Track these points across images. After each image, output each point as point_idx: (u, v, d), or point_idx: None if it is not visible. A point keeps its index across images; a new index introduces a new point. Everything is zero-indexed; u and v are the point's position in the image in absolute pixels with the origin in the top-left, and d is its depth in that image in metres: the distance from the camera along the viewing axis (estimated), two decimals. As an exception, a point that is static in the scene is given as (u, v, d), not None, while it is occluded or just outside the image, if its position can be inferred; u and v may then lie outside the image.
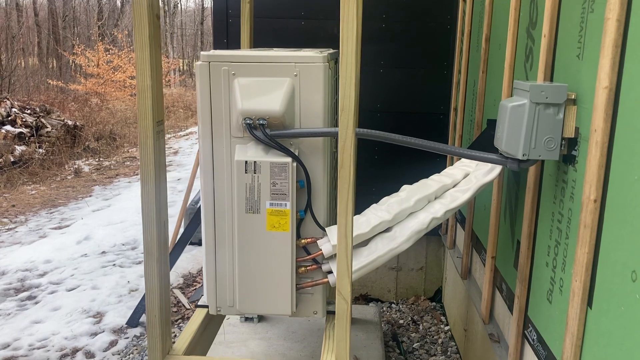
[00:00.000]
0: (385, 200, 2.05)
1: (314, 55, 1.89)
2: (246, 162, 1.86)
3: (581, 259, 1.46)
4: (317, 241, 1.97)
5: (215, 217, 1.99)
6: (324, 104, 1.91)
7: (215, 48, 3.86)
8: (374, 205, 2.06)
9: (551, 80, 1.86)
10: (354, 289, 3.19)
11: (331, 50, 2.22)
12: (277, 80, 1.89)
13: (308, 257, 2.00)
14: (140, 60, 1.61)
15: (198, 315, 2.14)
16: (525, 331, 2.01)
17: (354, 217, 2.00)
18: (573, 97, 1.63)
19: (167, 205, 1.79)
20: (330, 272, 1.98)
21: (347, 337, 1.70)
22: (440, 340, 3.46)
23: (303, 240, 1.98)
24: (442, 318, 3.72)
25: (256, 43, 3.16)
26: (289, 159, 1.86)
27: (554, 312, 1.75)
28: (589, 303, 1.47)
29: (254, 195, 1.89)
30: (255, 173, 1.87)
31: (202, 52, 1.92)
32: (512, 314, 2.16)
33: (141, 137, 1.65)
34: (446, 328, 3.59)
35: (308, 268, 2.00)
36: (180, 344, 1.93)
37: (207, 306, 2.09)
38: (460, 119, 3.41)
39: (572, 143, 1.65)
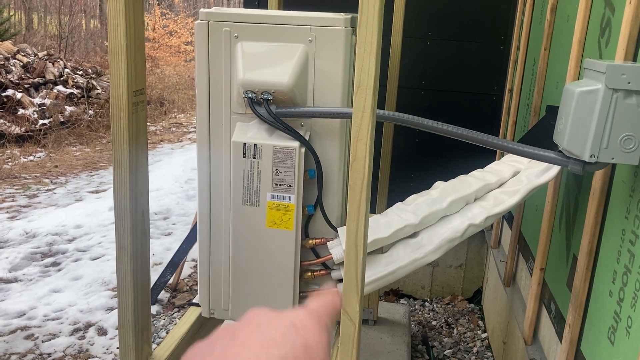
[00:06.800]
0: (413, 199, 1.70)
1: (334, 18, 1.54)
2: (245, 144, 1.55)
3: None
4: (327, 243, 1.65)
5: (211, 207, 1.70)
6: (343, 77, 1.57)
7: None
8: (399, 204, 1.71)
9: (634, 59, 1.45)
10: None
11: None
12: (288, 47, 1.55)
13: (316, 260, 1.68)
14: (112, 13, 1.30)
15: (190, 315, 1.87)
16: (576, 369, 1.64)
17: (374, 217, 1.66)
18: (666, 83, 1.23)
19: (148, 192, 1.51)
20: (341, 280, 1.66)
21: (351, 367, 1.38)
22: (475, 349, 3.10)
23: (311, 241, 1.67)
24: (480, 323, 3.35)
25: (290, 7, 2.82)
26: (296, 144, 1.54)
27: (616, 356, 1.38)
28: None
29: (253, 185, 1.58)
30: (255, 158, 1.55)
31: (201, 10, 1.60)
32: (560, 342, 1.79)
33: (114, 109, 1.36)
34: (483, 335, 3.22)
35: (315, 273, 1.69)
36: (162, 351, 1.67)
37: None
38: (516, 102, 2.98)
39: (658, 144, 1.26)
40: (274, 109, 1.53)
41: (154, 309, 3.70)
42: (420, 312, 3.54)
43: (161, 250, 4.66)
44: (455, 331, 3.29)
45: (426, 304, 3.64)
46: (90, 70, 10.92)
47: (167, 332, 3.39)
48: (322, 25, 1.54)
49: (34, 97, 8.88)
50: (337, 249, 1.61)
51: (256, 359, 0.36)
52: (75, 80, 9.98)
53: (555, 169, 1.63)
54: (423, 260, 1.60)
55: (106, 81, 10.66)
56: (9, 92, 8.31)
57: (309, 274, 1.68)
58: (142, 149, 1.45)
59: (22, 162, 7.37)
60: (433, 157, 3.45)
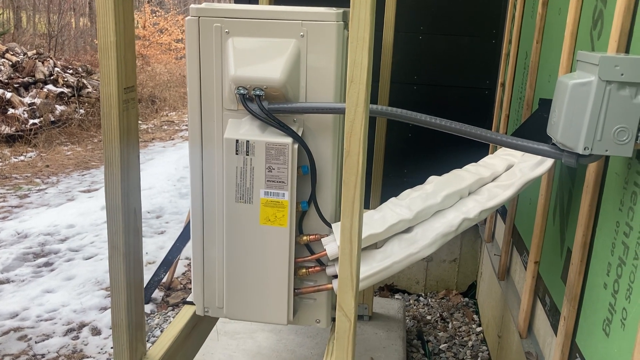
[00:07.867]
0: (407, 194, 1.70)
1: (325, 12, 1.53)
2: (237, 140, 1.54)
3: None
4: (322, 239, 1.64)
5: (203, 204, 1.68)
6: (336, 72, 1.56)
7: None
8: (393, 199, 1.71)
9: (627, 51, 1.45)
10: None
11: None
12: (280, 42, 1.54)
13: (311, 257, 1.67)
14: (102, 10, 1.29)
15: (185, 313, 1.86)
16: (571, 361, 1.65)
17: (368, 213, 1.66)
18: (658, 75, 1.22)
19: (140, 190, 1.49)
20: (336, 276, 1.65)
21: (347, 364, 1.37)
22: (470, 343, 3.11)
23: (305, 237, 1.66)
24: (475, 317, 3.36)
25: (281, 2, 2.80)
26: (288, 140, 1.53)
27: (611, 348, 1.38)
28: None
29: (246, 182, 1.57)
30: (247, 155, 1.54)
31: (192, 5, 1.58)
32: (555, 335, 1.80)
33: (104, 107, 1.35)
34: (478, 329, 3.23)
35: (310, 270, 1.68)
36: (157, 350, 1.66)
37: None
38: (508, 96, 2.98)
39: (652, 136, 1.26)
40: (266, 105, 1.52)
41: (148, 307, 3.68)
42: (415, 307, 3.54)
43: (154, 249, 4.64)
44: (450, 325, 3.30)
45: (421, 298, 3.65)
46: (80, 69, 10.84)
47: (161, 331, 3.38)
48: (313, 20, 1.53)
49: (24, 97, 8.81)
50: (331, 245, 1.61)
51: None
52: (66, 79, 9.90)
53: (548, 162, 1.63)
54: (418, 255, 1.59)
55: (97, 80, 10.58)
56: (-2, 91, 8.23)
57: (304, 270, 1.67)
58: (133, 146, 1.44)
59: (13, 162, 7.31)
60: (426, 152, 3.45)
